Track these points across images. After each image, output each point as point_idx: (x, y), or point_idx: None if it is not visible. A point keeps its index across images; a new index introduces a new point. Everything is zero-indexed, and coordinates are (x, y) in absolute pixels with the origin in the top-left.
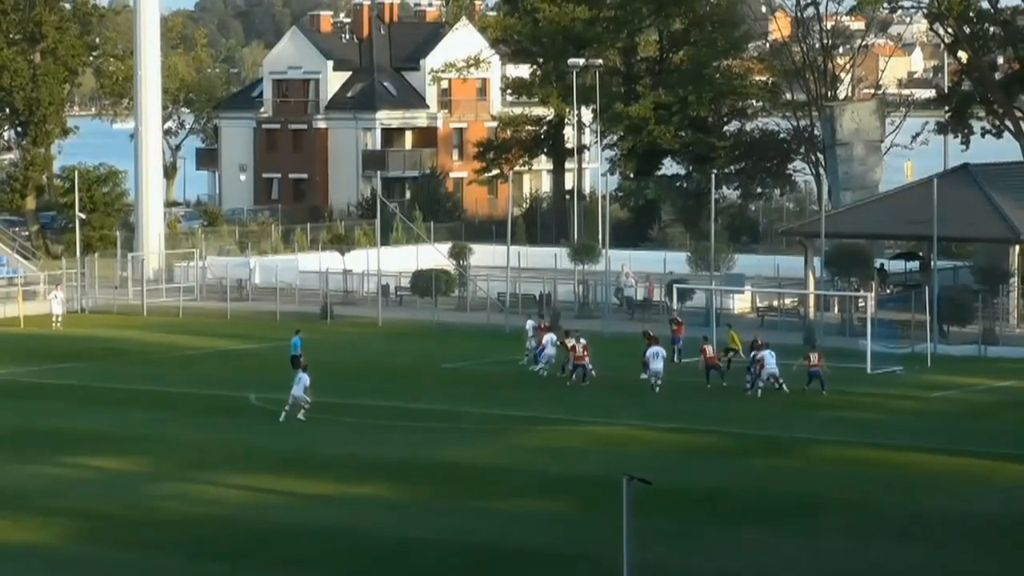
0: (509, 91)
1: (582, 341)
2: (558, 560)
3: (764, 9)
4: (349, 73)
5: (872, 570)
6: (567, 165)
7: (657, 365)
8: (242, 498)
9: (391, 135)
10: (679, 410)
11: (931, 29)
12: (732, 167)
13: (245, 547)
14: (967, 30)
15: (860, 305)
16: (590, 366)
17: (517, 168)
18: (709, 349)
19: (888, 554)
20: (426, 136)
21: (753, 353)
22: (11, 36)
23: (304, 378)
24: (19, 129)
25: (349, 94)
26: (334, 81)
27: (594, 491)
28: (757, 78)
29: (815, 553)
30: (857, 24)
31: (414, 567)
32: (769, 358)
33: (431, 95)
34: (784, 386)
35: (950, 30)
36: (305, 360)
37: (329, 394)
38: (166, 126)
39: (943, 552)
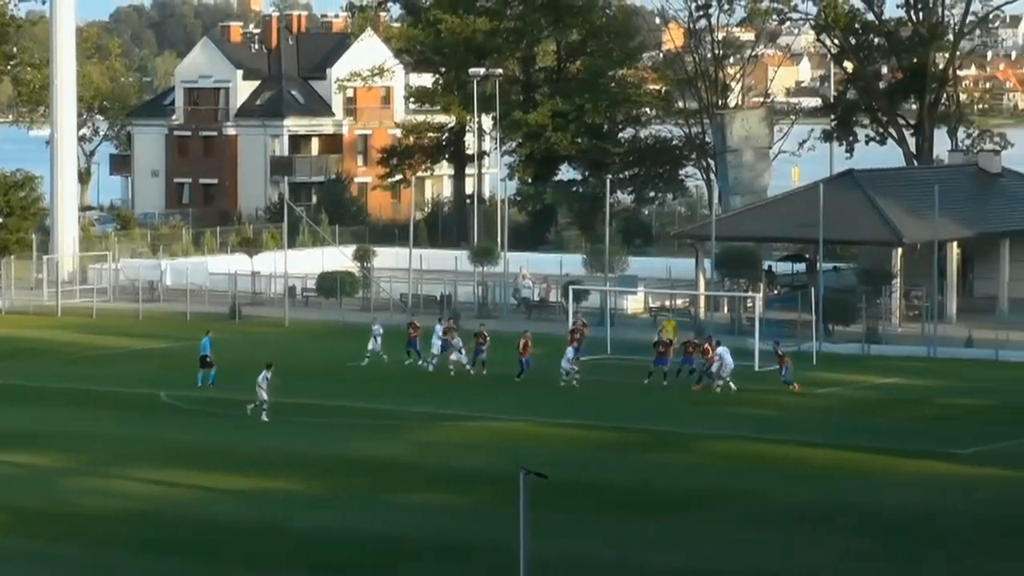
0: (412, 99)
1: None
2: (458, 552)
3: (658, 21)
4: (258, 82)
5: (759, 559)
6: (468, 171)
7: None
8: (157, 492)
9: (298, 142)
10: (574, 407)
11: (818, 40)
12: (626, 173)
13: (161, 539)
14: (853, 41)
15: (748, 305)
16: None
17: (420, 173)
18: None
19: (774, 544)
20: (332, 143)
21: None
22: None
23: (266, 376)
24: None
25: (258, 102)
26: (243, 90)
27: (492, 485)
28: (651, 87)
29: (704, 544)
30: (747, 35)
31: (326, 558)
32: (727, 355)
33: (337, 103)
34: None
35: (836, 41)
36: (212, 359)
37: (238, 392)
38: (81, 133)
39: (826, 540)
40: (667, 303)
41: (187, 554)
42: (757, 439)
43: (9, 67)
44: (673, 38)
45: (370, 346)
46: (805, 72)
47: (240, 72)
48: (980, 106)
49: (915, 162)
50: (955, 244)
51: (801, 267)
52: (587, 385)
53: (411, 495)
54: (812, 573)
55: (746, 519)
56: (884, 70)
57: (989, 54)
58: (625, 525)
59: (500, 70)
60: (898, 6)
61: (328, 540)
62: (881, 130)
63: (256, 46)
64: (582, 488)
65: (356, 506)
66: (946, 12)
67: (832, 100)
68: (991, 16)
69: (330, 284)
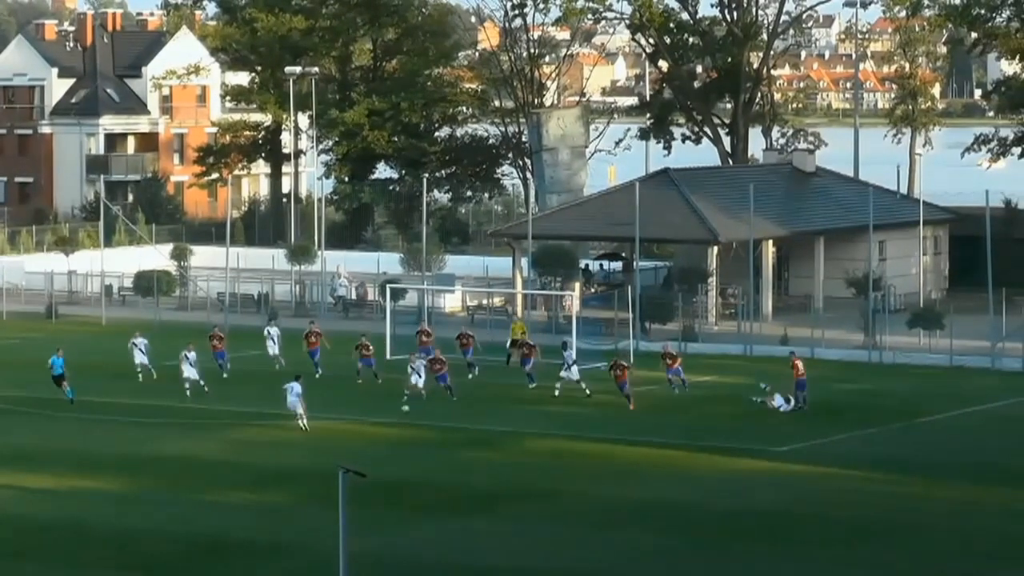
0: (228, 98)
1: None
2: (276, 550)
3: (473, 19)
4: (73, 80)
5: (569, 554)
6: (284, 169)
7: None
8: None
9: (114, 140)
10: (393, 407)
11: (633, 39)
12: (443, 171)
13: None
14: (667, 40)
15: (565, 304)
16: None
17: (236, 172)
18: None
19: (585, 541)
20: (148, 141)
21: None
22: None
23: (295, 387)
24: None
25: (73, 100)
26: (58, 87)
27: (309, 483)
28: (467, 86)
29: (518, 539)
30: (563, 34)
31: (136, 556)
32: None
33: (153, 101)
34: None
35: (651, 40)
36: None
37: (54, 391)
38: None
39: (637, 538)
40: (484, 302)
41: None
42: (572, 437)
43: None
44: (489, 37)
45: (271, 352)
46: (621, 71)
47: (55, 70)
48: (794, 105)
49: (730, 161)
50: (770, 243)
51: (617, 265)
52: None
53: (227, 493)
54: (622, 570)
55: (561, 517)
56: (699, 69)
57: (803, 54)
58: (443, 523)
59: (316, 69)
60: (712, 5)
61: (138, 539)
62: (696, 129)
63: (71, 44)
64: (399, 486)
65: (168, 504)
66: (760, 12)
67: (648, 99)
68: (804, 16)
69: (147, 283)
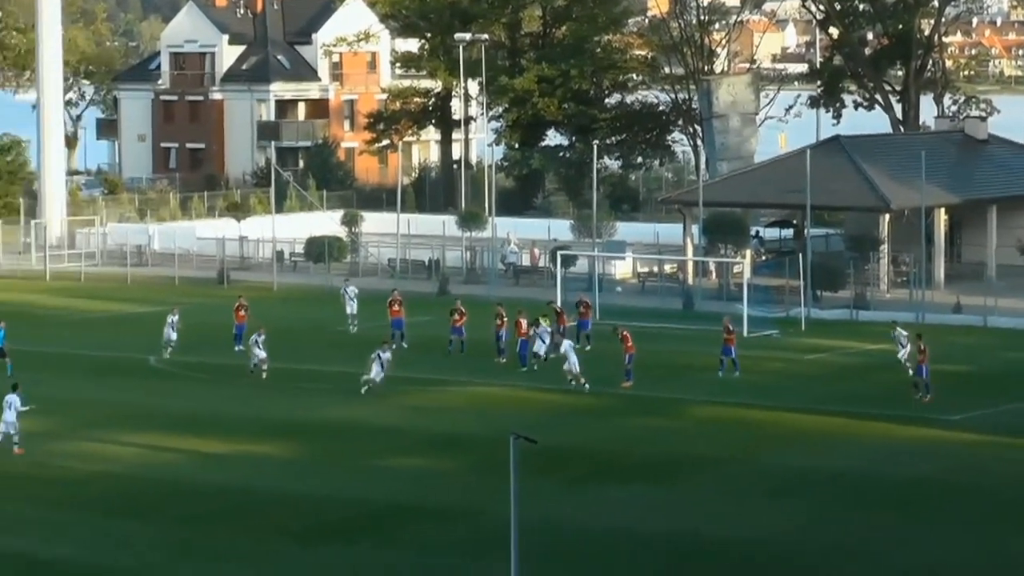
0: (398, 64)
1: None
2: (444, 516)
3: None
4: (244, 47)
5: (736, 523)
6: (455, 136)
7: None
8: (142, 456)
9: (285, 106)
10: (559, 373)
11: (803, 6)
12: (613, 138)
13: (145, 504)
14: (838, 7)
15: (736, 271)
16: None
17: (406, 138)
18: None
19: (757, 508)
20: (318, 107)
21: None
22: None
23: (385, 356)
24: None
25: (244, 67)
26: (229, 54)
27: (477, 450)
28: (637, 52)
29: (687, 510)
30: (732, 1)
31: (303, 522)
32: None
33: (323, 68)
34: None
35: (822, 7)
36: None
37: (225, 357)
38: (67, 97)
39: (810, 505)
40: (655, 269)
41: (173, 518)
42: (744, 405)
43: None
44: (658, 3)
45: (349, 310)
46: (791, 38)
47: (226, 37)
48: (966, 72)
49: (901, 128)
50: (942, 210)
51: (788, 233)
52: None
53: (396, 459)
54: (789, 539)
55: (730, 485)
56: (870, 36)
57: (974, 20)
58: (609, 491)
59: (486, 35)
60: None
61: (305, 505)
62: (868, 96)
63: (241, 11)
64: (566, 453)
65: (336, 470)
66: None
67: (818, 66)
68: None
69: (318, 249)
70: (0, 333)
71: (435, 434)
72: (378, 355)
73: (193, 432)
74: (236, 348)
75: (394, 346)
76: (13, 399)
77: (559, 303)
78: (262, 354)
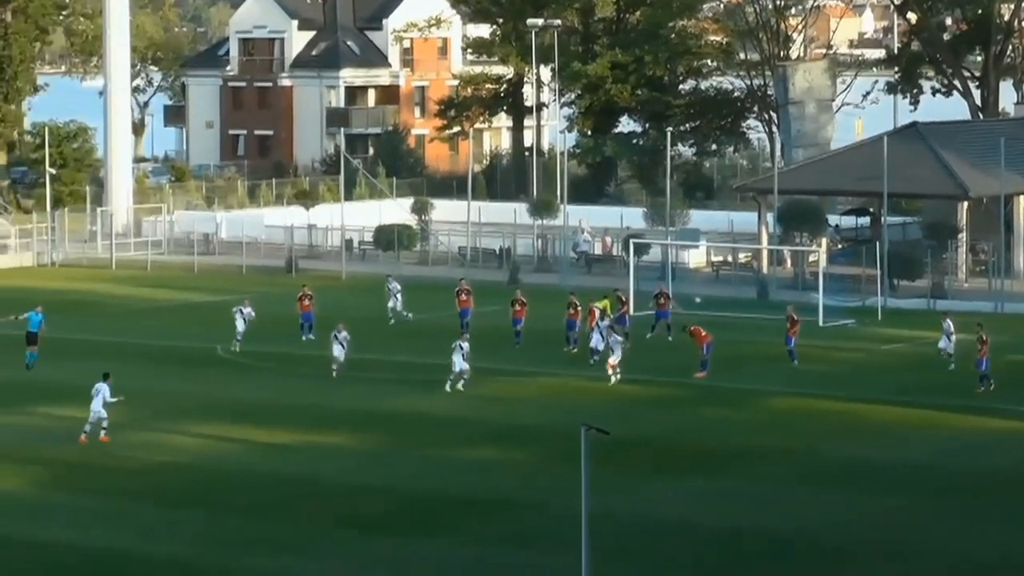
0: (470, 50)
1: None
2: (509, 508)
3: None
4: (313, 32)
5: (811, 515)
6: (526, 123)
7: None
8: (207, 447)
9: (354, 93)
10: (632, 362)
11: None
12: (687, 125)
13: (210, 494)
14: None
15: (812, 260)
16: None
17: (477, 125)
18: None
19: (824, 501)
20: (389, 94)
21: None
22: None
23: (463, 346)
24: None
25: (313, 53)
26: (298, 40)
27: (546, 441)
28: (712, 38)
29: (755, 502)
30: None
31: (370, 513)
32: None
33: (393, 54)
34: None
35: None
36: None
37: (292, 346)
38: (134, 84)
39: (878, 498)
40: (729, 257)
41: (237, 508)
42: (816, 395)
43: (62, 17)
44: None
45: (390, 304)
46: (868, 23)
47: (295, 22)
48: None
49: (980, 115)
50: (1022, 198)
51: (865, 221)
52: (642, 339)
53: (463, 450)
54: (864, 532)
55: (803, 476)
56: (948, 21)
57: None
58: (682, 482)
59: (558, 20)
60: None
61: (369, 496)
62: (946, 82)
63: None
64: (636, 444)
65: (400, 462)
66: None
67: (896, 52)
68: None
69: (387, 237)
70: (38, 318)
71: (502, 425)
72: (458, 345)
73: (257, 422)
74: (303, 338)
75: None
76: (103, 387)
77: (630, 291)
78: (338, 351)
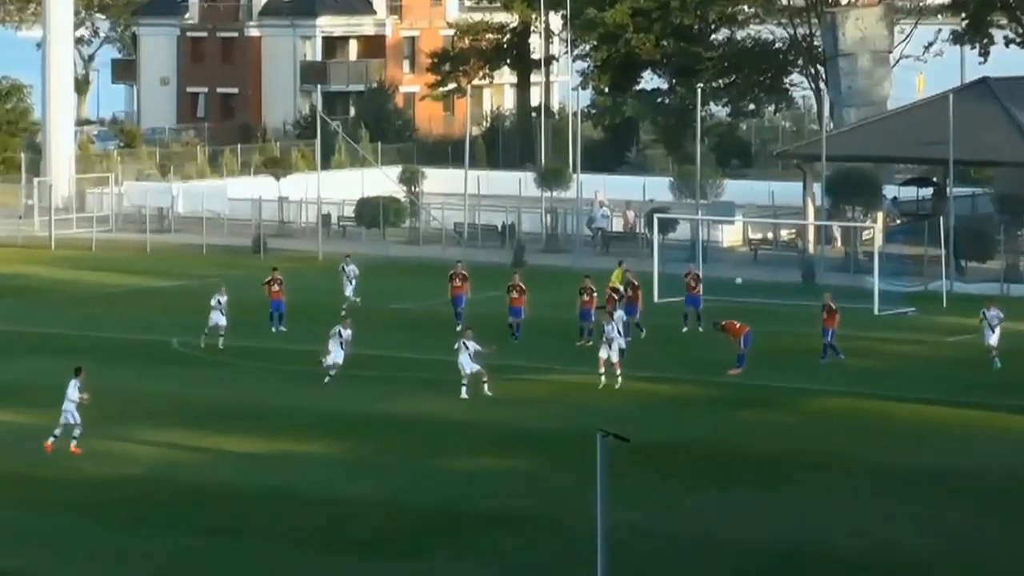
0: None
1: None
2: (518, 522)
3: None
4: None
5: (851, 530)
6: (533, 79)
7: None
8: (166, 456)
9: (333, 44)
10: (658, 356)
11: None
12: (721, 81)
13: (171, 512)
14: None
15: (866, 238)
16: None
17: (476, 82)
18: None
19: (875, 515)
20: (373, 45)
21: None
22: None
23: (468, 344)
24: None
25: None
26: None
27: (559, 447)
28: None
29: (796, 515)
30: None
31: (359, 533)
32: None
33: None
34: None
35: None
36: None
37: (263, 339)
38: (78, 34)
39: (936, 511)
40: (769, 235)
41: (203, 529)
42: (869, 395)
43: None
44: None
45: (347, 292)
46: None
47: None
48: None
49: None
50: None
51: (927, 192)
52: (669, 330)
53: (466, 459)
54: (917, 551)
55: (846, 489)
56: None
57: None
58: (711, 494)
59: None
60: None
61: (355, 512)
62: (1021, 31)
63: None
64: (661, 451)
65: (395, 472)
66: None
67: None
68: None
69: (371, 212)
70: None
71: (508, 430)
72: (463, 344)
73: (225, 429)
74: (273, 329)
75: (459, 328)
76: (72, 384)
77: (654, 274)
78: (336, 354)
